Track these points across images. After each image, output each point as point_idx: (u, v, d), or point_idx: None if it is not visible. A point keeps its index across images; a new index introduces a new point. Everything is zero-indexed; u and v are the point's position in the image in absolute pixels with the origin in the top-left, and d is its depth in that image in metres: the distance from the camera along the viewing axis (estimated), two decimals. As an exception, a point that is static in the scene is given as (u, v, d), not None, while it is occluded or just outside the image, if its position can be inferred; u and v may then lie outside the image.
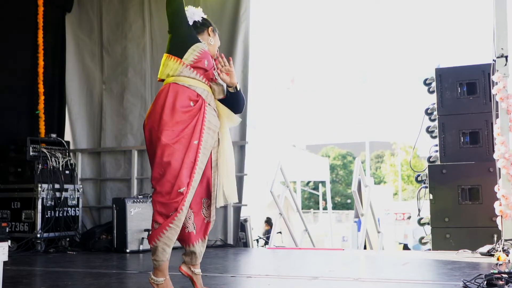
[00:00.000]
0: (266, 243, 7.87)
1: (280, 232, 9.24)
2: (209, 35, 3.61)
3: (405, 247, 11.73)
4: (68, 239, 6.51)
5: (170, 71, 3.36)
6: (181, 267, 3.42)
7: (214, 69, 3.44)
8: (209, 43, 3.56)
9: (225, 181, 3.44)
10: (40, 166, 6.39)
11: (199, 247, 3.40)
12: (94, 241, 6.33)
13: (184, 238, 3.37)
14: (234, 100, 3.51)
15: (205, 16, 3.71)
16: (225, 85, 3.46)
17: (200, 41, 3.47)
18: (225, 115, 3.52)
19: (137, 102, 7.39)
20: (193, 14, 3.67)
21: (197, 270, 3.43)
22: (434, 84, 6.20)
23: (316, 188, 28.13)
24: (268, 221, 12.02)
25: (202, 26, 3.63)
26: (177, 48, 3.42)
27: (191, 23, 3.59)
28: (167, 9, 3.52)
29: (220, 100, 3.49)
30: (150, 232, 3.26)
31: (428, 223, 6.04)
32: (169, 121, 3.24)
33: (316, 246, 9.32)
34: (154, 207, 3.24)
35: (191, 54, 3.37)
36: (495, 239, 5.06)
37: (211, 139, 3.39)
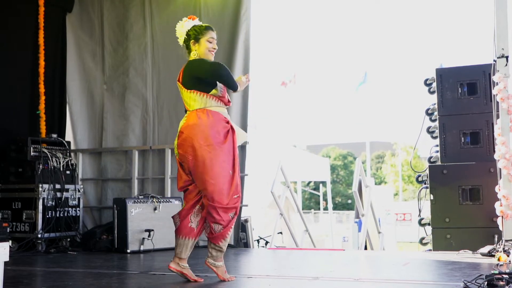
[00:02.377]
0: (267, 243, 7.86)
1: (281, 233, 9.24)
2: (192, 49, 4.03)
3: None
4: (68, 239, 6.52)
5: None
6: (170, 266, 3.94)
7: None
8: (193, 55, 4.01)
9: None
10: (41, 166, 6.39)
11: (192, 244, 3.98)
12: (95, 241, 6.33)
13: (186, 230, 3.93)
14: None
15: (188, 28, 4.06)
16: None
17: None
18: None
19: (138, 102, 7.39)
20: (182, 33, 4.09)
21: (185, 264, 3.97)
22: (434, 85, 6.20)
23: (316, 188, 28.11)
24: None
25: (187, 46, 4.08)
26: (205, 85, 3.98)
27: (181, 43, 4.10)
28: (222, 72, 3.98)
29: None
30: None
31: (428, 224, 6.04)
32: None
33: (317, 246, 9.31)
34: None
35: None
36: (496, 239, 5.06)
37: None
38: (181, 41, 4.08)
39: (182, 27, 4.06)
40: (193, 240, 3.95)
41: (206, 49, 3.98)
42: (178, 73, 7.41)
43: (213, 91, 3.94)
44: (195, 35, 3.99)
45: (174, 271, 3.93)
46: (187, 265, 3.97)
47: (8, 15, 6.92)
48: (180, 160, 3.94)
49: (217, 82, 3.96)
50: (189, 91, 3.92)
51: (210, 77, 3.93)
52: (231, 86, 3.97)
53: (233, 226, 3.96)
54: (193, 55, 3.99)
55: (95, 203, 7.47)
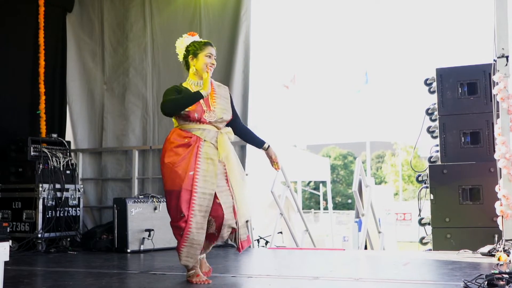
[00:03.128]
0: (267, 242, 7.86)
1: (281, 232, 9.24)
2: (191, 64, 3.98)
3: None
4: (69, 239, 6.52)
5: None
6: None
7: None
8: (191, 71, 3.99)
9: (239, 200, 3.91)
10: (41, 166, 6.39)
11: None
12: (95, 241, 6.33)
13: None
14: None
15: (188, 44, 4.02)
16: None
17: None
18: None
19: (138, 102, 7.39)
20: (181, 49, 4.05)
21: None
22: (434, 84, 6.20)
23: (317, 188, 28.09)
24: None
25: (185, 62, 4.04)
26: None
27: (181, 59, 4.08)
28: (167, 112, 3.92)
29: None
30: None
31: (429, 223, 6.04)
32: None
33: (317, 246, 9.31)
34: None
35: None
36: (496, 239, 5.06)
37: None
38: (180, 57, 4.04)
39: (182, 44, 4.02)
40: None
41: (204, 65, 3.90)
42: (178, 73, 7.41)
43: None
44: (193, 50, 3.94)
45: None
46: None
47: (8, 15, 6.93)
48: None
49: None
50: None
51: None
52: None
53: (185, 245, 3.80)
54: (191, 71, 3.97)
55: (95, 203, 7.47)
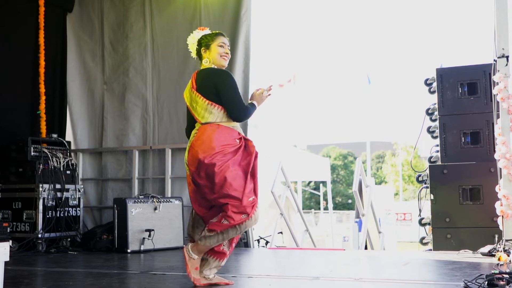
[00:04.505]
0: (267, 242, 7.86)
1: (281, 232, 9.24)
2: (204, 56, 3.87)
3: None
4: (69, 239, 6.52)
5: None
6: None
7: None
8: (206, 63, 3.84)
9: None
10: (41, 166, 6.39)
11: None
12: (95, 241, 6.33)
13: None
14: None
15: (199, 37, 3.91)
16: None
17: None
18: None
19: (138, 102, 7.39)
20: (193, 45, 3.95)
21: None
22: (435, 84, 6.20)
23: (317, 188, 28.10)
24: None
25: (198, 55, 3.92)
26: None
27: (194, 55, 3.97)
28: (245, 118, 3.84)
29: None
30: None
31: (429, 223, 6.04)
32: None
33: (317, 246, 9.32)
34: None
35: None
36: (496, 239, 5.06)
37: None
38: (194, 53, 3.94)
39: (193, 39, 3.91)
40: None
41: (217, 55, 3.81)
42: (178, 73, 7.40)
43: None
44: (205, 42, 3.84)
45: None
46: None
47: (8, 15, 6.93)
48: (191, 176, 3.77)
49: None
50: (206, 100, 3.71)
51: (223, 96, 3.71)
52: (237, 116, 3.74)
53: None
54: (205, 63, 3.83)
55: (96, 203, 7.48)
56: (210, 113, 3.71)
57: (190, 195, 3.85)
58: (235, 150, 3.69)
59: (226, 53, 3.86)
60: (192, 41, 3.93)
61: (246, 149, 3.75)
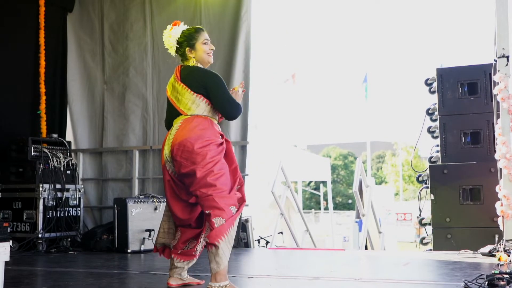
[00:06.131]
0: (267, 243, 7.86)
1: (282, 232, 9.24)
2: (189, 57, 3.76)
3: None
4: (69, 239, 6.52)
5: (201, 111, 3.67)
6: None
7: None
8: (192, 63, 3.75)
9: None
10: (41, 166, 6.39)
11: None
12: (96, 241, 6.33)
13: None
14: None
15: (177, 36, 3.76)
16: None
17: None
18: None
19: (138, 102, 7.39)
20: (171, 44, 3.79)
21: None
22: (435, 84, 6.20)
23: (317, 188, 28.12)
24: None
25: (182, 55, 3.79)
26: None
27: (173, 53, 3.84)
28: (238, 114, 3.78)
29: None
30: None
31: (429, 224, 6.04)
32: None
33: (317, 246, 9.31)
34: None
35: None
36: (496, 239, 5.06)
37: None
38: (172, 51, 3.79)
39: (170, 37, 3.74)
40: None
41: (204, 53, 3.72)
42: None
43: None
44: (187, 41, 3.71)
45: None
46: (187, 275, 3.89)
47: (8, 15, 6.92)
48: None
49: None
50: (194, 93, 3.63)
51: (216, 96, 3.64)
52: (234, 113, 3.70)
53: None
54: (192, 63, 3.74)
55: (96, 203, 7.47)
56: (197, 105, 3.65)
57: (169, 199, 3.74)
58: (220, 144, 3.63)
59: (211, 49, 3.77)
60: (169, 39, 3.76)
61: (226, 150, 3.70)
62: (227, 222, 3.44)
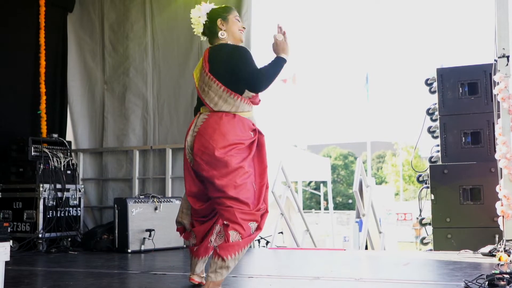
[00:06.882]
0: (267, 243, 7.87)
1: (282, 232, 9.25)
2: (220, 29, 3.53)
3: None
4: (69, 239, 6.52)
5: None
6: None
7: None
8: (222, 36, 3.49)
9: None
10: (41, 166, 6.39)
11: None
12: (96, 241, 6.33)
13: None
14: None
15: (208, 11, 3.55)
16: None
17: None
18: None
19: (138, 102, 7.39)
20: (199, 19, 3.55)
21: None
22: (435, 84, 6.20)
23: (317, 188, 28.14)
24: None
25: (210, 32, 3.55)
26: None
27: (201, 30, 3.56)
28: (263, 87, 3.35)
29: None
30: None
31: (429, 224, 6.04)
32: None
33: (318, 246, 9.32)
34: None
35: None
36: (497, 239, 5.06)
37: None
38: (199, 27, 3.52)
39: (200, 11, 3.49)
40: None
41: (236, 28, 3.50)
42: (178, 73, 7.37)
43: (245, 92, 3.36)
44: (220, 13, 3.48)
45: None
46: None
47: (8, 15, 6.92)
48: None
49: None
50: (222, 87, 3.34)
51: (240, 70, 3.32)
52: (253, 87, 3.32)
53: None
54: (221, 35, 3.46)
55: (96, 203, 7.48)
56: (225, 101, 3.34)
57: (185, 180, 3.50)
58: (249, 145, 3.37)
59: (244, 27, 3.58)
60: (198, 14, 3.50)
61: (258, 145, 3.46)
62: (243, 240, 3.24)
